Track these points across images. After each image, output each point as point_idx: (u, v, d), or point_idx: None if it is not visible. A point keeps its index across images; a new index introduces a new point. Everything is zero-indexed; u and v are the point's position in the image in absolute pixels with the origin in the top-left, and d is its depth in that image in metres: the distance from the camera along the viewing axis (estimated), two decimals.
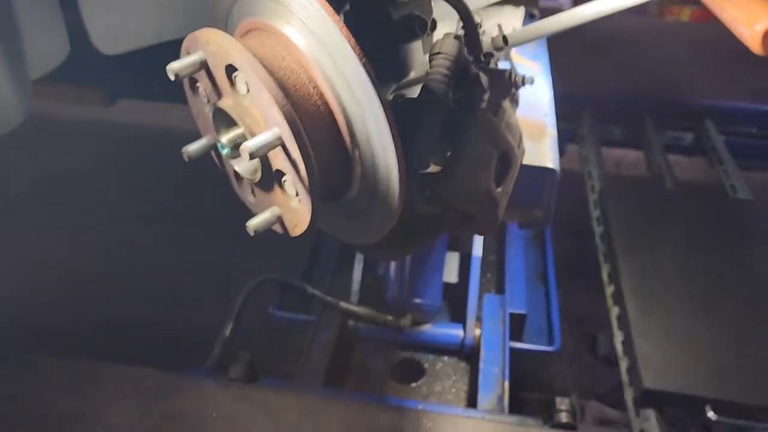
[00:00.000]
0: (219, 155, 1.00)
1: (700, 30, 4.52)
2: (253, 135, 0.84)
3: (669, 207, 2.37)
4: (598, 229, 2.33)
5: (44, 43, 1.24)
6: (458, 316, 2.06)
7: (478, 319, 2.01)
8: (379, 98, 0.77)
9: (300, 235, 1.01)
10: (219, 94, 0.87)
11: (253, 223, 0.89)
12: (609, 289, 2.05)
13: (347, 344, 1.99)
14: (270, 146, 0.79)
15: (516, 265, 2.27)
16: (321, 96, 0.83)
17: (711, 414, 1.59)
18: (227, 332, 1.92)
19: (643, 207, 2.34)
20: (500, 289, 2.24)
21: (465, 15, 0.98)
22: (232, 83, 0.83)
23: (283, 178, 0.86)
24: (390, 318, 1.94)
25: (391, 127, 0.78)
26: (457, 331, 1.99)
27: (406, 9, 0.97)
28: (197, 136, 0.95)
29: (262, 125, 0.82)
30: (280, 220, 0.91)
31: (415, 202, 0.91)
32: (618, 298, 1.97)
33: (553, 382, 2.58)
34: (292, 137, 0.78)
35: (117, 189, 2.81)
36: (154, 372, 1.47)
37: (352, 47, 0.77)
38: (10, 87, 1.20)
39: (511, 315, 2.04)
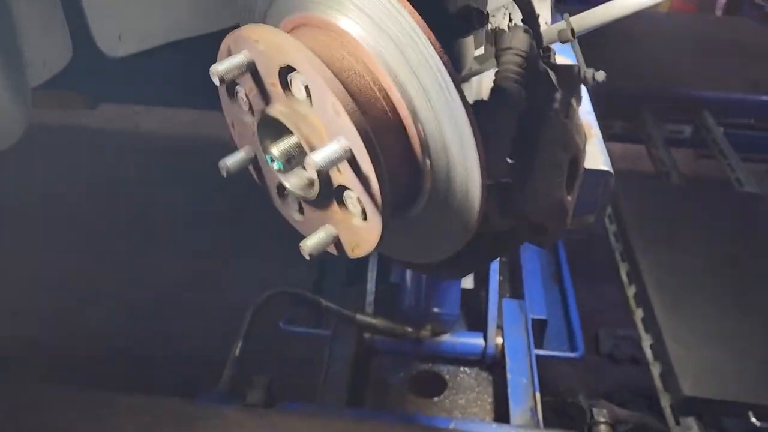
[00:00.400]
0: (259, 168, 0.90)
1: (679, 20, 4.52)
2: (311, 146, 0.74)
3: (681, 202, 2.32)
4: (611, 227, 2.26)
5: (45, 48, 1.12)
6: (474, 323, 1.97)
7: (498, 326, 1.92)
8: (463, 103, 0.68)
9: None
10: (267, 100, 0.77)
11: (309, 245, 0.79)
12: (630, 290, 1.97)
13: (365, 358, 1.89)
14: (339, 159, 0.69)
15: (531, 268, 2.20)
16: (388, 99, 0.74)
17: (754, 420, 1.53)
18: (237, 351, 1.81)
19: (655, 202, 2.28)
20: (515, 293, 2.16)
21: (525, 6, 0.89)
22: (287, 87, 0.73)
23: (345, 194, 0.76)
24: (410, 330, 1.84)
25: (475, 135, 0.69)
26: (477, 340, 1.91)
27: (462, 0, 0.87)
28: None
29: (324, 136, 0.72)
30: (336, 240, 0.82)
31: (487, 215, 0.81)
32: (642, 298, 1.90)
33: (557, 382, 2.51)
34: (364, 149, 0.68)
35: (110, 198, 2.65)
36: (170, 401, 1.36)
37: (432, 43, 0.67)
38: (10, 97, 1.08)
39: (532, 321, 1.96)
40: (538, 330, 2.01)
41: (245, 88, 0.79)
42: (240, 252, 2.19)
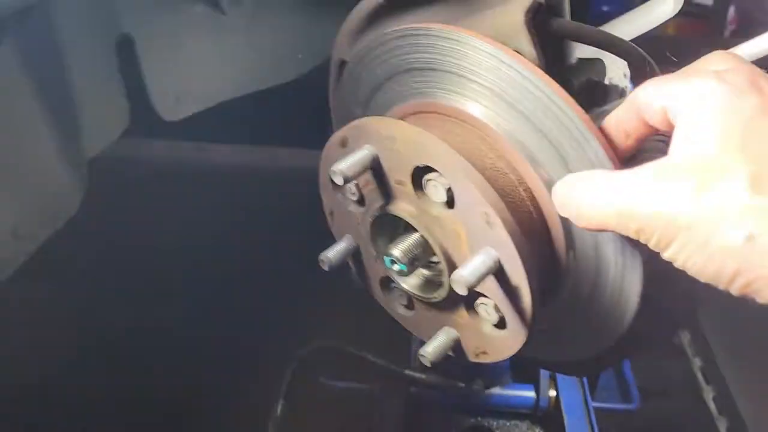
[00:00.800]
0: (358, 256, 0.82)
1: (689, 44, 4.48)
2: (446, 253, 0.66)
3: None
4: None
5: (103, 116, 1.03)
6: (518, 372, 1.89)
7: (551, 377, 1.84)
8: None
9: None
10: (389, 197, 0.69)
11: (431, 352, 0.71)
12: (685, 338, 1.90)
13: (412, 413, 1.81)
14: (488, 273, 0.61)
15: None
16: (533, 200, 0.66)
17: None
18: (278, 411, 1.72)
19: None
20: None
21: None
22: (419, 188, 0.65)
23: (479, 300, 0.68)
24: (461, 385, 1.76)
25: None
26: (529, 393, 1.82)
27: (584, 74, 0.80)
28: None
29: (464, 242, 0.64)
30: (457, 343, 0.74)
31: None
32: (699, 347, 1.83)
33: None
34: (519, 263, 0.60)
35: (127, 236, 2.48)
36: None
37: (597, 140, 0.60)
38: (67, 171, 0.99)
39: None
40: (591, 380, 1.92)
41: (359, 181, 0.71)
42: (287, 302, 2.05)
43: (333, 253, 0.77)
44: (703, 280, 0.51)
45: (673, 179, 0.50)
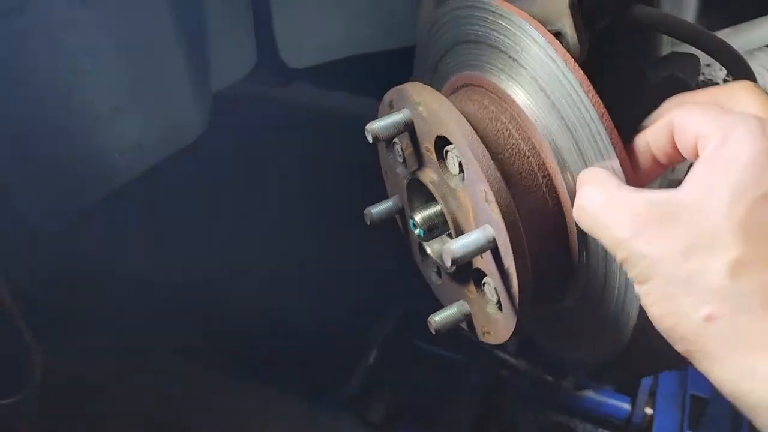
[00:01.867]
0: (405, 219, 0.85)
1: None
2: (456, 224, 0.68)
3: None
4: None
5: (231, 54, 1.15)
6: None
7: (651, 394, 1.74)
8: None
9: None
10: (420, 162, 0.72)
11: (438, 320, 0.74)
12: None
13: (497, 394, 1.81)
14: (480, 250, 0.62)
15: None
16: (551, 188, 0.65)
17: None
18: (370, 360, 1.81)
19: None
20: None
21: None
22: (441, 157, 0.67)
23: (484, 280, 0.69)
24: (550, 378, 1.73)
25: None
26: (624, 405, 1.74)
27: (666, 69, 0.75)
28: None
29: (471, 219, 0.65)
30: (468, 318, 0.75)
31: (645, 330, 0.70)
32: None
33: None
34: (509, 245, 0.60)
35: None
36: (294, 402, 1.38)
37: (610, 138, 0.57)
38: (192, 98, 1.12)
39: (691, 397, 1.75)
40: (696, 408, 1.79)
41: (402, 144, 0.74)
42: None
43: (376, 210, 0.81)
44: (655, 325, 0.52)
45: (669, 228, 0.49)
